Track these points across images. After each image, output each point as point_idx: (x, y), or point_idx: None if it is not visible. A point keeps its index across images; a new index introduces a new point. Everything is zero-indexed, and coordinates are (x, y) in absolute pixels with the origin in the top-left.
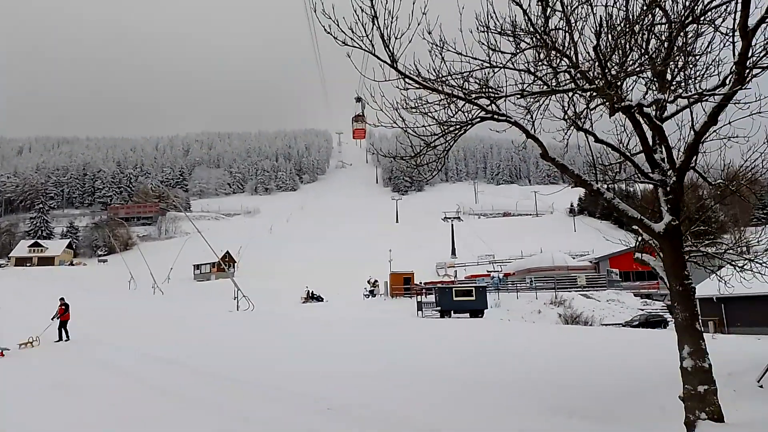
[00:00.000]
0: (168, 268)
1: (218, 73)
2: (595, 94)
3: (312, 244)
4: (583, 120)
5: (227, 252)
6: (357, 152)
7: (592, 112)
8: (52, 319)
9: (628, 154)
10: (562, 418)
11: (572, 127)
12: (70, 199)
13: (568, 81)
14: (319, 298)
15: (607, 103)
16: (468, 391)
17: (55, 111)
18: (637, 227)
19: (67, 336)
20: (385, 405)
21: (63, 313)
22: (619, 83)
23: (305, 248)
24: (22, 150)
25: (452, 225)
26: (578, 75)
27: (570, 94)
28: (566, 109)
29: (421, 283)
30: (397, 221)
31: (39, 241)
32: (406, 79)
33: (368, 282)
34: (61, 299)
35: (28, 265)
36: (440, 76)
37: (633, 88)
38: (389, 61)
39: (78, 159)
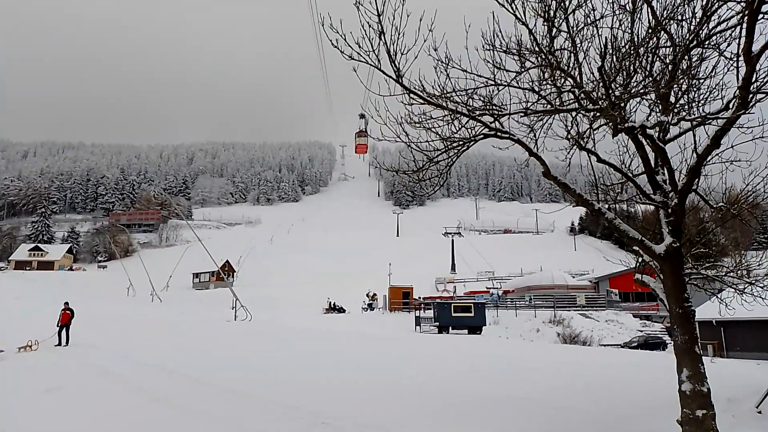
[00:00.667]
0: (167, 276)
1: (224, 83)
2: (598, 114)
3: (312, 256)
4: (585, 140)
5: (227, 261)
6: (360, 165)
7: (595, 132)
8: (57, 325)
9: (630, 175)
10: None
11: (575, 147)
12: (72, 204)
13: (571, 101)
14: (341, 310)
15: (610, 124)
16: (464, 409)
17: (60, 116)
18: (637, 248)
19: (68, 341)
20: (379, 420)
21: (66, 318)
22: (622, 104)
23: (305, 259)
24: (27, 154)
25: (452, 240)
26: (582, 95)
27: (573, 113)
28: (569, 128)
29: (419, 297)
30: (397, 235)
31: (39, 245)
32: (411, 95)
33: (367, 295)
34: (66, 303)
35: (27, 269)
36: (445, 92)
37: (636, 109)
38: (395, 77)
39: (82, 164)
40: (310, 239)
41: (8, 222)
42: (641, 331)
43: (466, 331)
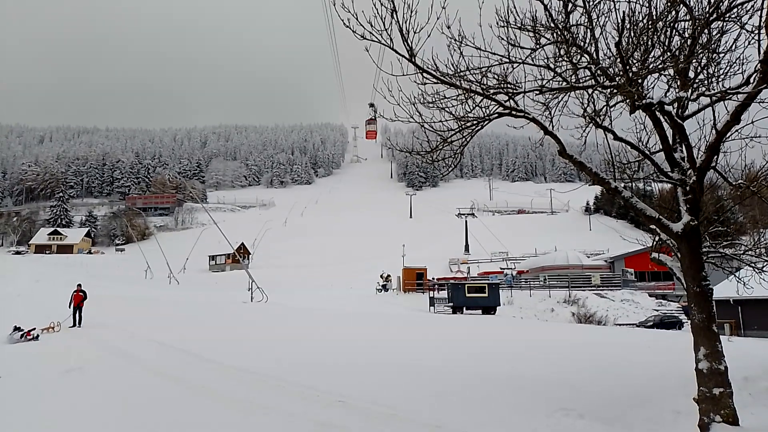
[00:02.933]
0: (184, 259)
1: (235, 66)
2: (615, 91)
3: (326, 238)
4: (602, 117)
5: (242, 244)
6: (372, 147)
7: (611, 109)
8: (69, 307)
9: (648, 153)
10: (573, 419)
11: (591, 125)
12: (89, 188)
13: (588, 78)
14: (386, 288)
15: (627, 101)
16: (477, 388)
17: (74, 101)
18: (654, 227)
19: (80, 322)
20: (393, 399)
21: (78, 299)
22: (640, 80)
23: (319, 242)
24: (44, 139)
25: (466, 221)
26: (598, 72)
27: (590, 91)
28: (585, 106)
29: (433, 278)
30: (410, 216)
31: (58, 229)
32: (424, 74)
33: (381, 276)
34: (78, 285)
35: (47, 252)
36: (458, 71)
37: (654, 85)
38: (407, 56)
39: (97, 149)
40: (324, 221)
41: (27, 207)
42: (657, 311)
43: (480, 311)
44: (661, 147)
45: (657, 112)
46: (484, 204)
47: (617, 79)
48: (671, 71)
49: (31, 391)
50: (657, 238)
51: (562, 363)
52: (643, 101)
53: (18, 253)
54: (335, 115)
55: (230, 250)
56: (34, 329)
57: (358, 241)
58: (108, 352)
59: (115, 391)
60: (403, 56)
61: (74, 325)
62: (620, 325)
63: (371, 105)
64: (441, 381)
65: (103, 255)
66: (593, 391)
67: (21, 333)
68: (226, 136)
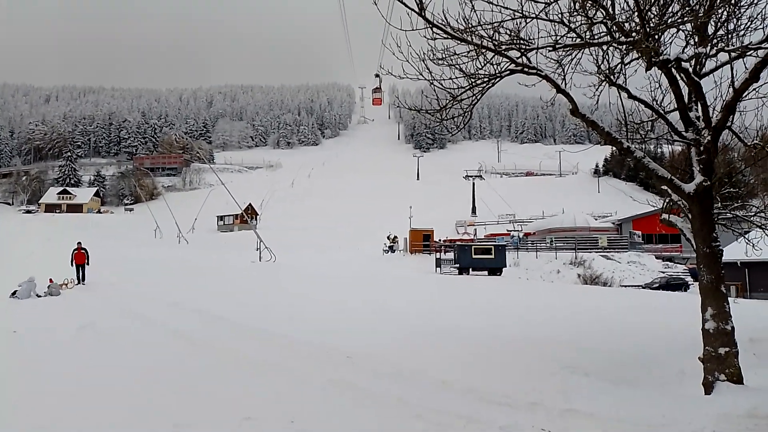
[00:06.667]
0: (192, 219)
1: (240, 25)
2: (631, 47)
3: (333, 200)
4: (616, 75)
5: (250, 204)
6: (379, 108)
7: (626, 67)
8: (72, 265)
9: (662, 112)
10: (578, 377)
11: (604, 83)
12: (96, 148)
13: (603, 34)
14: (392, 249)
15: (643, 57)
16: (483, 348)
17: (78, 59)
18: (666, 187)
19: (84, 279)
20: (400, 358)
21: (82, 258)
22: (657, 36)
23: (326, 203)
24: (49, 98)
25: (473, 183)
26: (614, 27)
27: (605, 47)
28: (600, 63)
29: (440, 240)
30: (418, 178)
31: (67, 188)
32: (434, 29)
33: (388, 238)
34: (79, 243)
35: (57, 212)
36: (470, 26)
37: (672, 42)
38: (417, 9)
39: (104, 108)
40: (331, 183)
41: (36, 166)
42: (663, 273)
43: (486, 272)
44: (675, 106)
45: (673, 70)
46: (492, 166)
47: (633, 35)
48: (689, 26)
49: (47, 346)
50: (668, 200)
51: (567, 324)
52: (660, 57)
53: (29, 212)
54: (343, 75)
55: (238, 210)
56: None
57: (366, 202)
58: (118, 309)
59: (127, 346)
60: (412, 9)
61: (78, 282)
62: (626, 286)
63: (377, 75)
64: (447, 341)
65: (112, 215)
66: (598, 351)
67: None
68: (232, 96)
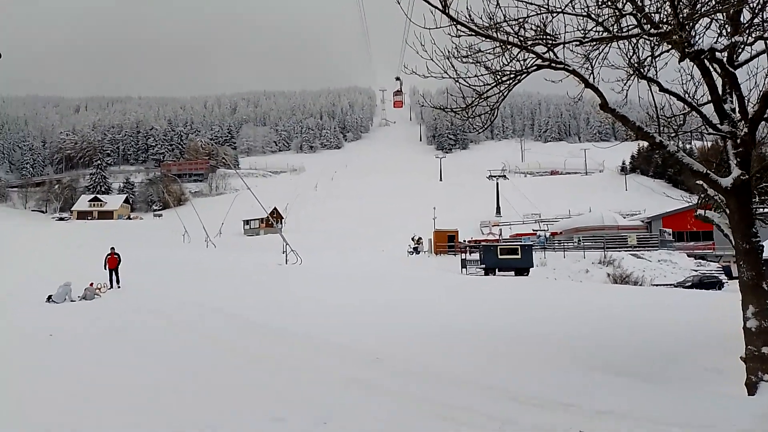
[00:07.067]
0: (219, 223)
1: (262, 31)
2: (662, 39)
3: (356, 202)
4: (647, 68)
5: (275, 208)
6: (400, 110)
7: (657, 59)
8: (105, 269)
9: (695, 105)
10: (611, 376)
11: (633, 77)
12: (125, 155)
13: (632, 26)
14: (417, 250)
15: (675, 49)
16: (512, 347)
17: (105, 70)
18: (701, 182)
19: (118, 283)
20: (427, 358)
21: (114, 262)
22: (691, 24)
23: (350, 205)
24: (79, 108)
25: (497, 183)
26: (644, 19)
27: (634, 39)
28: (630, 56)
29: (464, 241)
30: (440, 179)
31: (98, 196)
32: (458, 26)
33: (412, 239)
34: (112, 248)
35: (89, 218)
36: (495, 22)
37: (704, 33)
38: (441, 6)
39: (131, 117)
40: (354, 185)
41: (67, 174)
42: (696, 271)
43: (512, 273)
44: (709, 98)
45: (706, 61)
46: (515, 165)
47: (665, 25)
48: (722, 15)
49: (79, 348)
50: (703, 195)
51: (598, 322)
52: (693, 48)
53: (61, 219)
54: (363, 78)
55: (263, 214)
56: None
57: (389, 204)
58: (147, 312)
59: (156, 348)
60: (435, 7)
61: (111, 287)
62: (657, 285)
63: (398, 78)
64: (475, 340)
65: (141, 220)
66: (630, 350)
67: (86, 289)
68: (255, 102)
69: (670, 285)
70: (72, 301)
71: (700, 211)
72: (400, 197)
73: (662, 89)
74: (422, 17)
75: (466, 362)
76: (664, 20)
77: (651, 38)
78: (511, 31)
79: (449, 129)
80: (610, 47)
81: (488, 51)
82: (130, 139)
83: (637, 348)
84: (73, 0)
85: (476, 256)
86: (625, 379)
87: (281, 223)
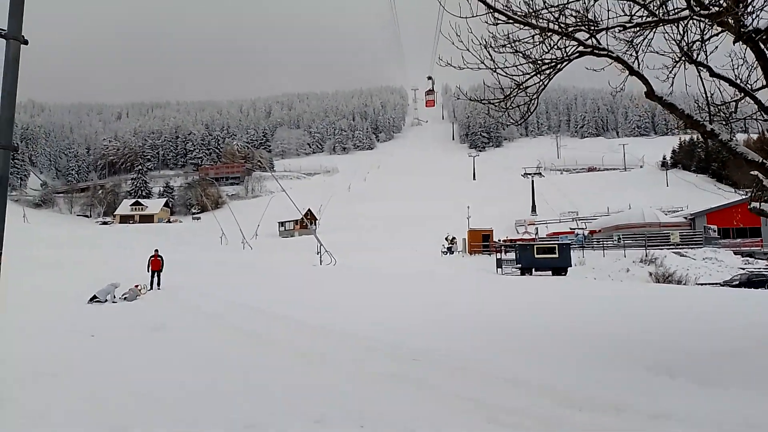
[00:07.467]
0: (255, 225)
1: (294, 33)
2: (713, 20)
3: (389, 202)
4: (696, 52)
5: (309, 209)
6: (432, 109)
7: (706, 43)
8: (147, 271)
9: (749, 90)
10: (666, 378)
11: (681, 62)
12: (164, 160)
13: (678, 9)
14: (451, 250)
15: (726, 31)
16: (556, 347)
17: (145, 76)
18: (757, 173)
19: (159, 284)
20: (467, 355)
21: (158, 264)
22: (745, 3)
23: (383, 205)
24: (120, 115)
25: (532, 181)
26: (694, 0)
27: (684, 22)
28: (680, 39)
29: (499, 240)
30: (474, 178)
31: (139, 200)
32: (496, 14)
33: (446, 239)
34: (156, 251)
35: (130, 222)
36: (534, 9)
37: (760, 12)
38: None
39: (170, 122)
40: (387, 185)
41: (110, 180)
42: (743, 269)
43: (549, 272)
44: (764, 83)
45: (761, 43)
46: (551, 162)
47: (714, 7)
48: None
49: (120, 348)
50: (756, 187)
51: (643, 322)
52: (748, 29)
53: (105, 223)
54: (395, 77)
55: (298, 216)
56: (139, 288)
57: (422, 204)
58: (188, 311)
59: (197, 347)
60: None
61: (151, 288)
62: (702, 284)
63: (429, 78)
64: (518, 338)
65: (181, 223)
66: (682, 350)
67: (129, 290)
68: (289, 105)
69: (717, 284)
70: (113, 302)
71: (755, 204)
72: (433, 197)
73: (713, 74)
74: (457, 6)
75: (513, 361)
76: (714, 1)
77: (702, 19)
78: (552, 18)
79: (482, 127)
80: (654, 32)
81: (526, 40)
82: (170, 144)
83: (689, 348)
84: (112, 9)
85: (512, 255)
86: (681, 380)
87: (315, 224)
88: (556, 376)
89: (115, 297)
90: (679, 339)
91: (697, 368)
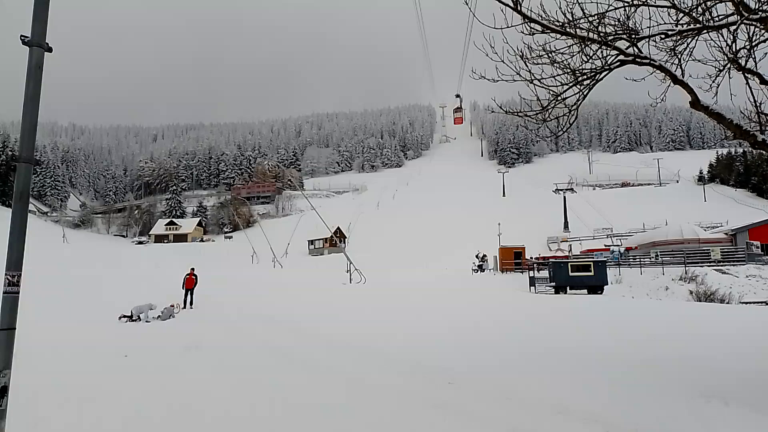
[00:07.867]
0: (285, 243)
1: (324, 54)
2: (762, 25)
3: (418, 219)
4: (744, 59)
5: (338, 228)
6: (461, 126)
7: (754, 49)
8: (182, 288)
9: None
10: (717, 405)
11: (726, 70)
12: (198, 180)
13: (724, 15)
14: (482, 268)
15: None
16: (600, 371)
17: (180, 99)
18: None
19: (192, 303)
20: (507, 380)
21: (191, 283)
22: None
23: (412, 223)
24: (156, 137)
25: (564, 197)
26: (741, 5)
27: (732, 28)
28: (729, 45)
29: (531, 257)
30: (504, 194)
31: (174, 219)
32: (532, 24)
33: (476, 257)
34: (192, 269)
35: (165, 241)
36: (572, 18)
37: None
38: (512, 4)
39: (204, 143)
40: (416, 203)
41: (146, 200)
42: None
43: (585, 291)
44: None
45: None
46: (583, 178)
47: (761, 12)
48: None
49: (154, 368)
50: None
51: (689, 343)
52: None
53: (140, 242)
54: (423, 95)
55: (328, 234)
56: (172, 306)
57: (452, 221)
58: (221, 329)
59: (229, 365)
60: (507, 5)
61: (185, 306)
62: (747, 303)
63: (457, 95)
64: (557, 362)
65: (213, 242)
66: (733, 375)
67: (164, 309)
68: (319, 124)
69: (762, 303)
70: (147, 321)
71: None
72: (463, 214)
73: (763, 81)
74: (493, 17)
75: (556, 386)
76: (761, 7)
77: (752, 24)
78: (591, 26)
79: (511, 143)
80: (697, 40)
81: (562, 50)
82: (203, 164)
83: (741, 373)
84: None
85: (545, 273)
86: (735, 409)
87: (344, 242)
88: (600, 404)
89: (148, 317)
90: (729, 363)
91: (749, 393)
